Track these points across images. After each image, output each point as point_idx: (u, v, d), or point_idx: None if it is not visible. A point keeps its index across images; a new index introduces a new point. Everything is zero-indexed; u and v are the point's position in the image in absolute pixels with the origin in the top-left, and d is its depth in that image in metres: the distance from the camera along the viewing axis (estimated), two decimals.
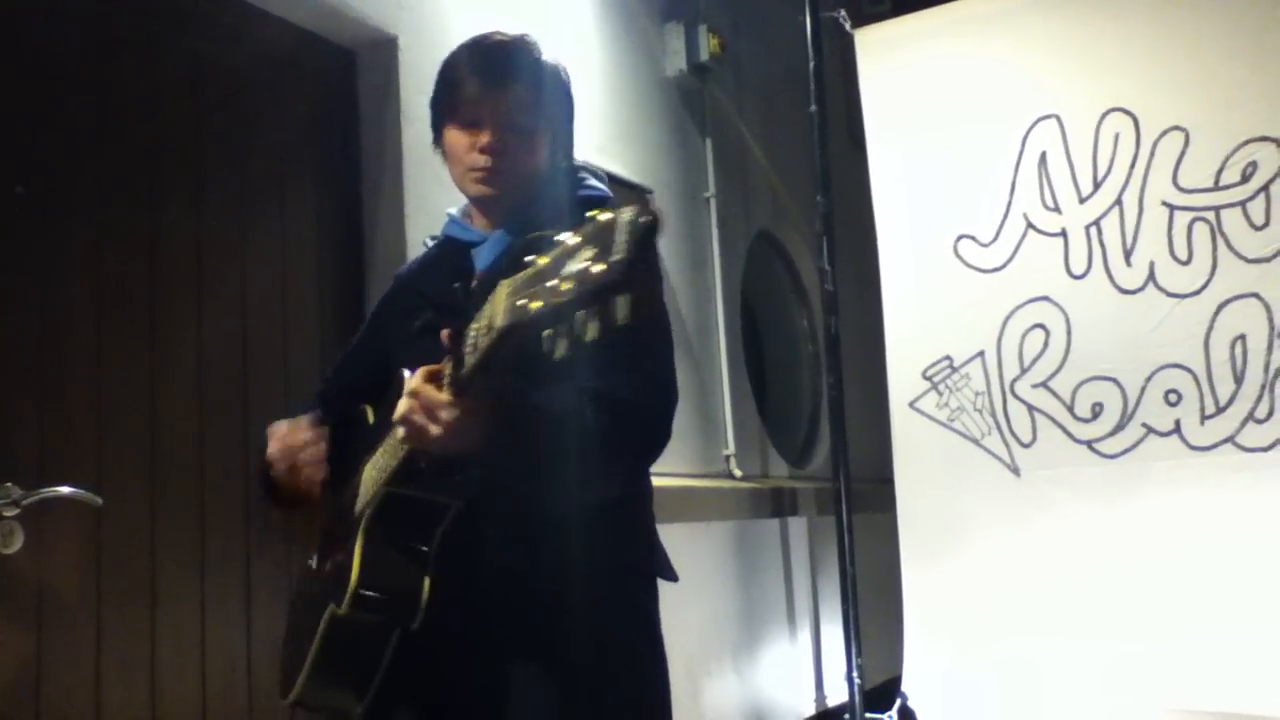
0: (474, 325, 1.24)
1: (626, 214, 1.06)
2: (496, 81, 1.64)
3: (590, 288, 1.06)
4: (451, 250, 1.71)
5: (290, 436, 1.66)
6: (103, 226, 2.28)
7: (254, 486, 1.80)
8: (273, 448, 1.66)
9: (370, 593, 1.44)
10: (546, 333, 1.10)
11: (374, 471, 1.51)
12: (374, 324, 1.84)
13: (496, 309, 1.17)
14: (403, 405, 1.33)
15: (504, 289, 1.17)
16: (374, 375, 1.68)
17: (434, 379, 1.31)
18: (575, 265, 1.07)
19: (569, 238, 1.10)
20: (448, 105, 1.68)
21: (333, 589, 1.49)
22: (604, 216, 1.07)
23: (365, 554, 1.45)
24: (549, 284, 1.09)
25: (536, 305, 1.10)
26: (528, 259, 1.13)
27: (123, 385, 2.27)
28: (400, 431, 1.35)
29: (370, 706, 1.55)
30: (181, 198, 2.46)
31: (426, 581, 1.45)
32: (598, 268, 1.05)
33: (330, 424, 1.69)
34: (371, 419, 1.67)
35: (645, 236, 1.05)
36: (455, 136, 1.66)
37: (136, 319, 2.32)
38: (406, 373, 1.52)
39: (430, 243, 1.80)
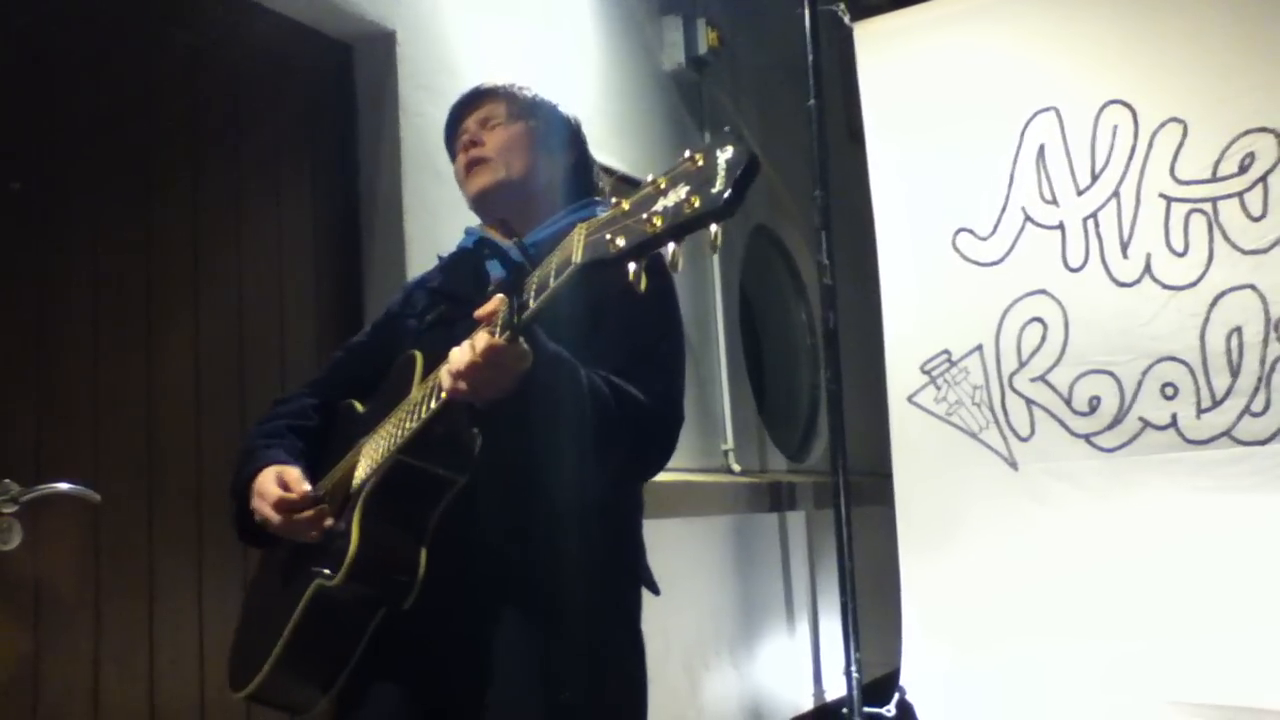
0: (536, 273, 1.23)
1: (726, 153, 1.04)
2: (469, 99, 1.78)
3: (686, 220, 1.05)
4: (469, 256, 1.73)
5: (289, 503, 1.54)
6: (99, 222, 2.28)
7: (227, 512, 1.72)
8: (267, 509, 1.55)
9: (369, 563, 1.41)
10: (632, 266, 1.09)
11: (378, 442, 1.49)
12: (381, 325, 1.84)
13: (572, 248, 1.16)
14: (458, 356, 1.30)
15: (580, 230, 1.16)
16: (376, 370, 1.69)
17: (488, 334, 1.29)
18: (667, 202, 1.06)
19: (658, 180, 1.09)
20: (448, 148, 1.80)
21: (319, 565, 1.46)
22: (699, 158, 1.06)
23: (365, 523, 1.43)
24: (639, 217, 1.08)
25: (622, 241, 1.09)
26: (613, 200, 1.13)
27: (120, 381, 2.27)
28: (448, 382, 1.31)
29: (341, 695, 1.52)
30: (178, 193, 2.45)
31: (424, 556, 1.43)
32: (696, 201, 1.04)
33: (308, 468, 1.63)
34: (361, 409, 1.67)
35: (746, 176, 1.03)
36: (455, 165, 1.76)
37: (133, 315, 2.32)
38: (417, 353, 1.53)
39: (443, 257, 1.82)
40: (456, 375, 1.30)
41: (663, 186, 1.08)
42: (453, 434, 1.39)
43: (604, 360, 1.47)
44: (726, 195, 1.03)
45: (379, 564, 1.42)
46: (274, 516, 1.53)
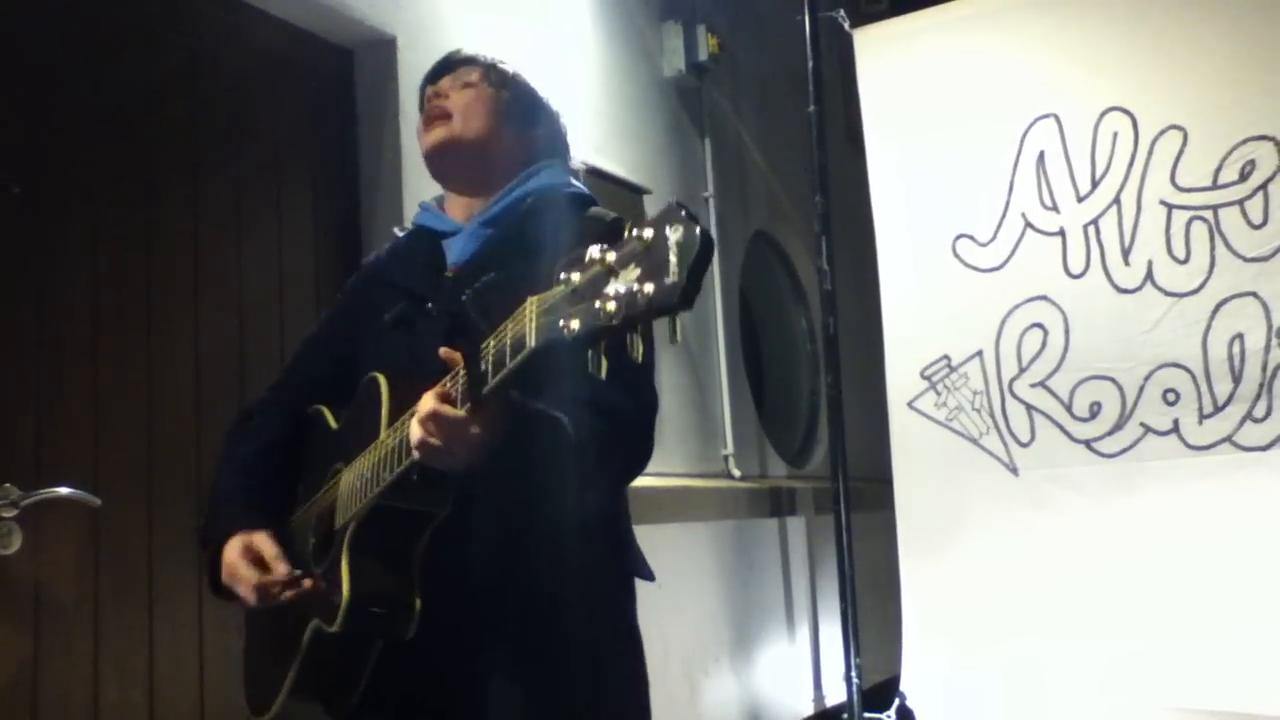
0: (493, 340, 1.19)
1: (676, 233, 0.99)
2: (443, 65, 1.73)
3: (640, 311, 1.01)
4: (423, 240, 1.69)
5: (262, 576, 1.52)
6: (99, 226, 2.28)
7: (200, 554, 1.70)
8: (245, 591, 1.52)
9: (364, 608, 1.41)
10: (589, 353, 1.06)
11: (356, 483, 1.47)
12: (338, 314, 1.79)
13: (526, 327, 1.13)
14: (417, 430, 1.27)
15: (533, 306, 1.12)
16: (337, 367, 1.66)
17: (445, 399, 1.27)
18: (619, 285, 1.02)
19: (606, 255, 1.05)
20: (422, 113, 1.75)
21: (315, 604, 1.46)
22: (648, 233, 1.01)
23: (354, 569, 1.42)
24: (591, 305, 1.04)
25: (577, 325, 1.05)
26: (560, 276, 1.09)
27: (120, 385, 2.27)
28: (413, 450, 1.30)
29: (350, 715, 1.52)
30: (178, 198, 2.45)
31: (416, 589, 1.42)
32: (649, 288, 1.00)
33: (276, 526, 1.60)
34: (334, 423, 1.63)
35: (700, 262, 0.98)
36: (420, 125, 1.72)
37: (133, 319, 2.32)
38: (380, 377, 1.49)
39: (400, 233, 1.77)
40: (417, 445, 1.28)
41: (612, 264, 1.04)
42: (429, 477, 1.37)
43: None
44: (682, 288, 0.98)
45: (374, 605, 1.42)
46: (253, 600, 1.51)
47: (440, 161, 1.68)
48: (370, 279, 1.76)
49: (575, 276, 1.07)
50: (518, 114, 1.68)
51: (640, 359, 1.05)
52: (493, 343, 1.20)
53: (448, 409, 1.26)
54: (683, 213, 1.01)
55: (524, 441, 1.34)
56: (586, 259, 1.07)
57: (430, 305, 1.57)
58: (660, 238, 1.01)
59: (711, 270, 4.13)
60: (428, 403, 1.27)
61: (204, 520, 1.67)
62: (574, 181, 1.68)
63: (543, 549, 1.48)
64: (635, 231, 1.03)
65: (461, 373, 1.25)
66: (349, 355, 1.65)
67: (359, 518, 1.44)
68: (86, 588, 2.16)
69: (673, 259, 0.99)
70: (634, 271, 1.02)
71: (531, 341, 1.12)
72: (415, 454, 1.29)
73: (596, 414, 1.41)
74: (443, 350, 1.27)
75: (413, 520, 1.43)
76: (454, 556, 1.46)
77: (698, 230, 0.99)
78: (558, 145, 1.73)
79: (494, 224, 1.60)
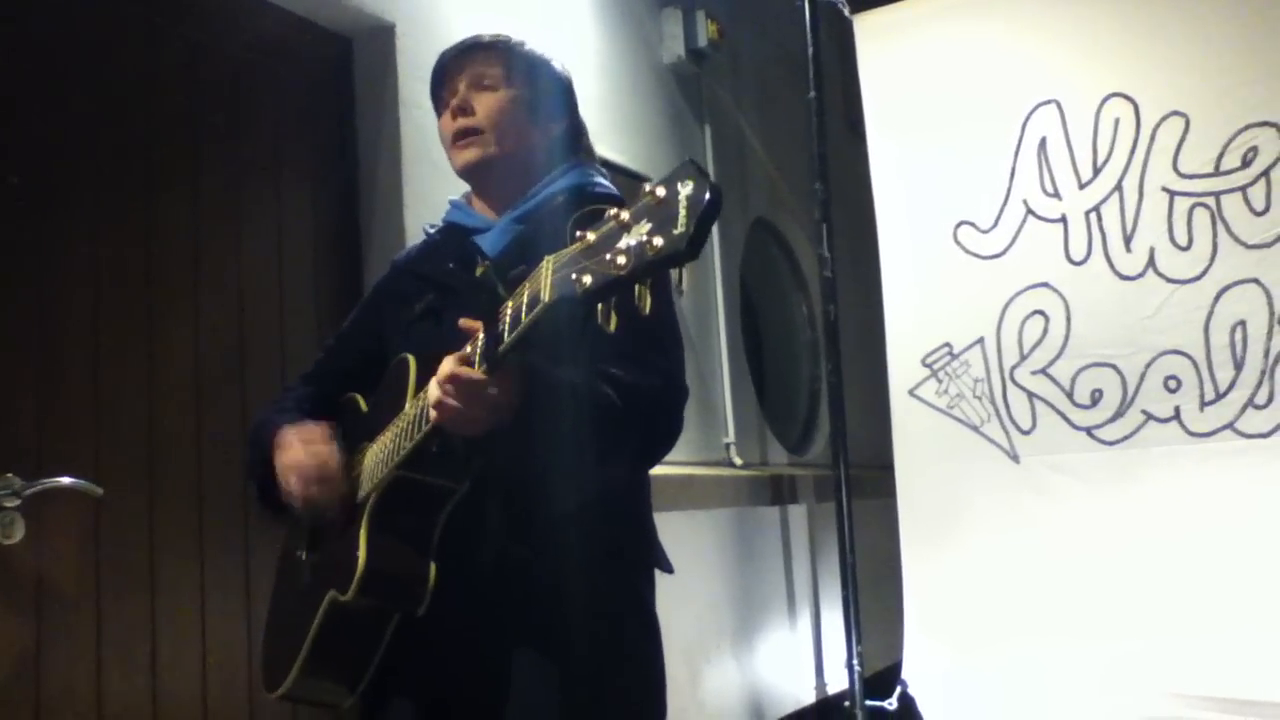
0: (510, 302, 1.22)
1: (687, 188, 1.04)
2: (463, 52, 1.70)
3: (649, 261, 1.04)
4: (454, 236, 1.70)
5: (317, 457, 1.54)
6: (99, 216, 2.27)
7: (248, 481, 1.72)
8: (289, 459, 1.56)
9: (378, 578, 1.42)
10: (600, 306, 1.09)
11: (379, 455, 1.49)
12: (369, 308, 1.81)
13: (541, 283, 1.15)
14: (435, 390, 1.30)
15: (549, 264, 1.15)
16: (368, 360, 1.68)
17: (464, 362, 1.29)
18: (631, 239, 1.06)
19: (620, 213, 1.08)
20: (434, 99, 1.74)
21: (332, 576, 1.47)
22: (660, 191, 1.05)
23: (372, 539, 1.44)
24: (602, 258, 1.07)
25: (589, 279, 1.08)
26: (577, 234, 1.12)
27: (121, 375, 2.27)
28: (430, 414, 1.32)
29: (365, 694, 1.54)
30: (178, 187, 2.45)
31: (433, 566, 1.44)
32: (658, 241, 1.04)
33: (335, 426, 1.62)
34: (365, 407, 1.65)
35: (709, 213, 1.03)
36: (442, 122, 1.71)
37: (133, 309, 2.32)
38: (410, 357, 1.51)
39: (430, 230, 1.78)
40: (435, 405, 1.30)
41: (625, 220, 1.07)
42: (448, 448, 1.39)
43: (605, 343, 1.44)
44: (689, 237, 1.02)
45: (389, 576, 1.44)
46: (308, 466, 1.53)
47: (476, 178, 1.69)
48: (400, 273, 1.78)
49: (590, 234, 1.11)
50: (544, 111, 1.68)
51: (649, 312, 1.08)
52: (510, 304, 1.23)
53: (466, 370, 1.28)
54: (694, 169, 1.05)
55: (547, 411, 1.35)
56: (604, 217, 1.10)
57: (459, 297, 1.58)
58: (672, 193, 1.05)
59: (712, 258, 4.18)
60: (447, 365, 1.30)
61: (250, 449, 1.69)
62: (602, 180, 1.68)
63: (560, 528, 1.49)
64: (649, 189, 1.07)
65: (480, 337, 1.27)
66: (377, 349, 1.67)
67: (380, 489, 1.46)
68: (88, 577, 2.16)
69: (682, 211, 1.03)
70: (645, 226, 1.06)
71: (545, 296, 1.14)
72: (432, 413, 1.31)
73: (615, 388, 1.42)
74: (462, 321, 1.29)
75: (432, 494, 1.46)
76: (470, 534, 1.47)
77: (708, 184, 1.03)
78: (581, 131, 1.74)
79: (525, 220, 1.61)
